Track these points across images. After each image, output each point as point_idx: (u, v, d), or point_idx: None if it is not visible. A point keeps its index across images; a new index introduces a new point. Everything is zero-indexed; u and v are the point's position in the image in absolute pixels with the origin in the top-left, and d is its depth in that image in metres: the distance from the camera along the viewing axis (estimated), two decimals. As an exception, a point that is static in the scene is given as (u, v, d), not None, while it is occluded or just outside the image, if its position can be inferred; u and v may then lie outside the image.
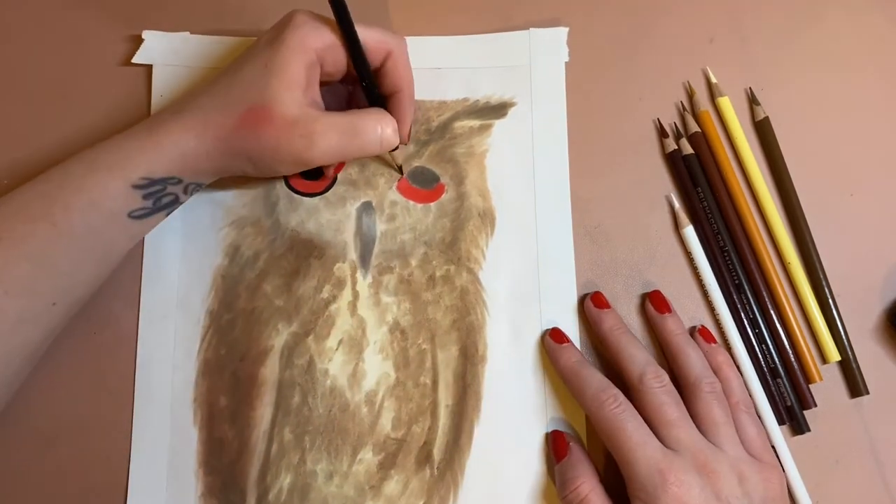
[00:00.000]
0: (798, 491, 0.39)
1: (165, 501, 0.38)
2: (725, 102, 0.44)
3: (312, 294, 0.41)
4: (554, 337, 0.40)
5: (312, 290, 0.41)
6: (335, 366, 0.40)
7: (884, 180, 0.44)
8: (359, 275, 0.41)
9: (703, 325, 0.41)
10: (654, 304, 0.40)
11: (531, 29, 0.44)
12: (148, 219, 0.37)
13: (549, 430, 0.39)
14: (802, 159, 0.43)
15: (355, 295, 0.41)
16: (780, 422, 0.40)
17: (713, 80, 0.44)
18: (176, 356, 0.40)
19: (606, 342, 0.39)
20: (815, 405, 0.41)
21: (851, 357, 0.41)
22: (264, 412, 0.39)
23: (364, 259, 0.41)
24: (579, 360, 0.39)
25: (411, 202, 0.42)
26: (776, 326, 0.41)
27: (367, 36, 0.37)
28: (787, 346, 0.41)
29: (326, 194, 0.42)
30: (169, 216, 0.39)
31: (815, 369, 0.41)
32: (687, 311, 0.42)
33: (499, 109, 0.43)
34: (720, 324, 0.41)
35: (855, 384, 0.41)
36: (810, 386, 0.41)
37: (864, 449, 0.41)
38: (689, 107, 0.44)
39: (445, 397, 0.40)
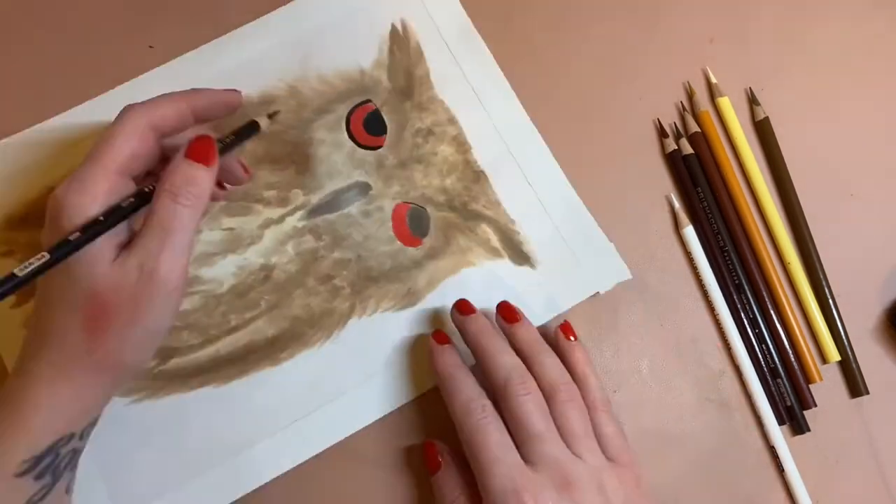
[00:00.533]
0: (798, 491, 0.39)
1: None
2: (725, 102, 0.44)
3: (262, 184, 0.41)
4: (436, 338, 0.38)
5: (266, 182, 0.41)
6: (207, 237, 0.40)
7: (884, 180, 0.44)
8: (299, 214, 0.41)
9: (565, 321, 0.39)
10: (502, 314, 0.38)
11: (613, 250, 0.41)
12: (55, 488, 0.31)
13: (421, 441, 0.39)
14: (802, 159, 0.43)
15: (279, 220, 0.41)
16: (780, 422, 0.40)
17: (713, 80, 0.44)
18: None
19: (472, 347, 0.37)
20: (815, 405, 0.41)
21: (851, 357, 0.41)
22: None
23: (316, 210, 0.41)
24: (456, 364, 0.37)
25: (391, 224, 0.41)
26: (776, 326, 0.41)
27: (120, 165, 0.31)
28: (787, 346, 0.41)
29: (363, 151, 0.42)
30: None
31: (815, 369, 0.41)
32: (687, 310, 0.42)
33: (521, 256, 0.41)
34: (720, 324, 0.41)
35: (855, 384, 0.41)
36: (810, 386, 0.41)
37: (864, 449, 0.41)
38: (689, 107, 0.44)
39: (224, 345, 0.39)
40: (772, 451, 0.40)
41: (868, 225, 0.43)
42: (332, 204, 0.41)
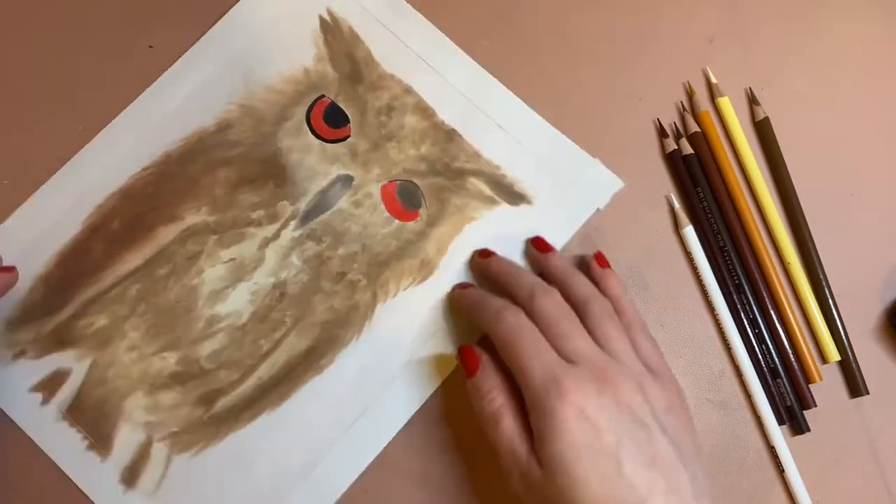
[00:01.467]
0: (798, 491, 0.39)
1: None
2: (725, 102, 0.44)
3: (246, 207, 0.41)
4: (458, 287, 0.40)
5: (250, 204, 0.41)
6: (211, 274, 0.40)
7: (884, 180, 0.44)
8: (292, 224, 0.41)
9: (598, 252, 0.41)
10: (536, 246, 0.40)
11: (599, 164, 0.43)
12: None
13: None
14: (802, 159, 0.43)
15: (275, 236, 0.41)
16: (780, 422, 0.40)
17: (713, 80, 0.44)
18: (115, 163, 0.41)
19: (495, 278, 0.39)
20: (815, 405, 0.41)
21: (851, 357, 0.41)
22: (133, 259, 0.40)
23: (308, 216, 0.41)
24: (482, 293, 0.39)
25: (384, 206, 0.42)
26: (776, 326, 0.41)
27: None
28: (787, 346, 0.41)
29: (333, 145, 0.42)
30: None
31: (815, 369, 0.41)
32: (687, 310, 0.42)
33: (516, 196, 0.42)
34: (720, 324, 0.41)
35: (855, 384, 0.41)
36: (810, 386, 0.41)
37: (864, 449, 0.41)
38: (689, 107, 0.44)
39: (264, 371, 0.40)
40: (772, 451, 0.40)
41: (868, 225, 0.43)
42: (320, 205, 0.41)
